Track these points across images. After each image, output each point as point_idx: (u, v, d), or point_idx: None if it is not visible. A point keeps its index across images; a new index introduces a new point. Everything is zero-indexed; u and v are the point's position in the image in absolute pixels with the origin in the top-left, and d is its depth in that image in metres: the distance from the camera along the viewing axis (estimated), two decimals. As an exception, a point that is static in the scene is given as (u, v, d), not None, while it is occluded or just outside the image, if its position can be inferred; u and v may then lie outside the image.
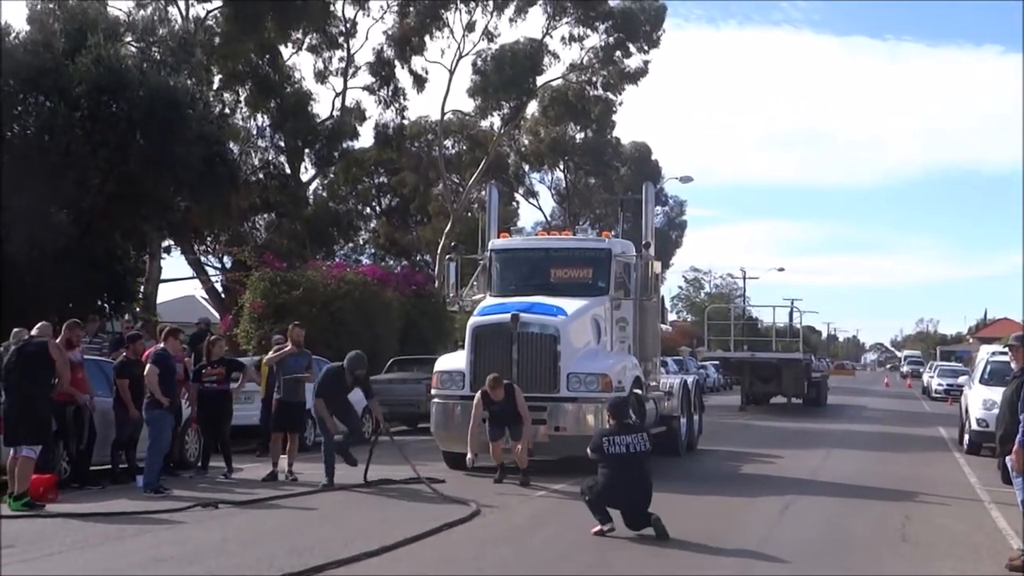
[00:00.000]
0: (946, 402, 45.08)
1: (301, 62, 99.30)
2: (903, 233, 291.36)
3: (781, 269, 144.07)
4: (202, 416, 17.20)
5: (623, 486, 11.56)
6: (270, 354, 18.11)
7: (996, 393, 15.56)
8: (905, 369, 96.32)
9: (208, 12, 43.22)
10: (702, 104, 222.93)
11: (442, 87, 52.47)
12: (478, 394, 16.21)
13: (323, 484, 15.55)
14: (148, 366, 15.21)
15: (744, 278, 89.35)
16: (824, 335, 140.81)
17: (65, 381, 14.35)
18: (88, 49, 27.74)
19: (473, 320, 17.63)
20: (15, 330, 15.48)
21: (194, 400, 17.29)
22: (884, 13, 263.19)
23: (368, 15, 49.32)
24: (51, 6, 31.16)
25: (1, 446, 14.08)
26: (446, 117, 54.48)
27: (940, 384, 53.49)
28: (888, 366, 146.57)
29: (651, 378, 20.05)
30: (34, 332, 14.44)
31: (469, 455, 16.15)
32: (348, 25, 48.99)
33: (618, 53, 50.81)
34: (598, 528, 11.61)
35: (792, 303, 45.32)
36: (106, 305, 29.27)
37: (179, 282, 52.97)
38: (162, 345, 15.95)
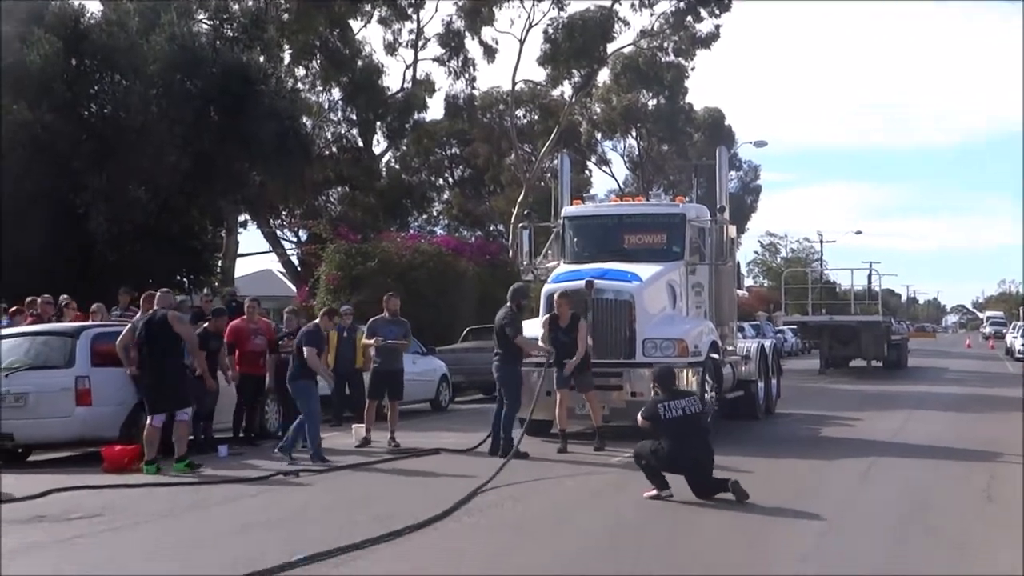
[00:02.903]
0: (1030, 362, 44.32)
1: (371, 35, 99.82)
2: (983, 194, 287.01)
3: (859, 232, 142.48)
4: (280, 386, 17.33)
5: (685, 449, 11.42)
6: (365, 339, 17.92)
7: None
8: (987, 330, 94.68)
9: (279, -13, 43.49)
10: (775, 68, 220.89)
11: (512, 57, 52.53)
12: (547, 317, 16.29)
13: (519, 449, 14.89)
14: (306, 348, 15.28)
15: (821, 242, 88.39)
16: (904, 298, 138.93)
17: (194, 347, 14.94)
18: (161, 28, 28.09)
19: (547, 288, 17.57)
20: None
21: (273, 371, 17.46)
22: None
23: (438, -14, 49.36)
24: (125, -15, 31.53)
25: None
26: (517, 87, 54.39)
27: (1024, 345, 52.55)
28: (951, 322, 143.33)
29: (728, 343, 19.89)
30: (155, 303, 14.97)
31: (544, 348, 15.99)
32: (417, -4, 49.04)
33: (689, 18, 50.41)
34: (654, 492, 11.51)
35: (871, 266, 44.67)
36: (185, 280, 29.69)
37: (256, 256, 53.60)
38: (316, 322, 16.24)
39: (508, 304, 16.02)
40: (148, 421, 14.19)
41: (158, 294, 15.19)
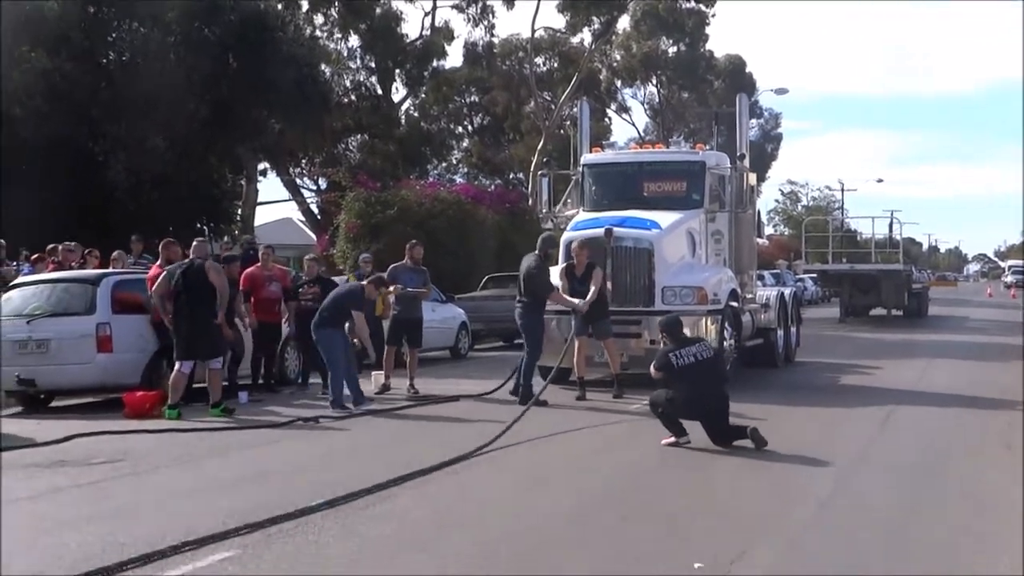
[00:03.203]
0: (1052, 311, 44.03)
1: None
2: (1006, 141, 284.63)
3: (880, 180, 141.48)
4: (300, 333, 17.37)
5: (701, 396, 11.43)
6: (387, 289, 17.92)
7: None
8: (1009, 279, 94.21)
9: (297, -67, 43.22)
10: (796, 15, 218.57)
11: (532, 4, 52.14)
12: (563, 266, 16.32)
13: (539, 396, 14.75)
14: (355, 313, 15.32)
15: (842, 190, 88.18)
16: (925, 247, 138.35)
17: (224, 299, 14.84)
18: (180, -25, 27.98)
19: (567, 235, 17.53)
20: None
21: (292, 318, 17.50)
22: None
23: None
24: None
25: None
26: (536, 34, 54.10)
27: (1046, 294, 52.33)
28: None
29: (747, 291, 19.86)
30: (191, 253, 15.21)
31: (570, 299, 15.87)
32: (436, -58, 48.75)
33: (710, -37, 49.96)
34: (672, 440, 11.55)
35: (892, 214, 44.39)
36: (205, 228, 29.77)
37: (276, 204, 53.67)
38: (362, 284, 16.27)
39: (536, 253, 16.01)
40: (176, 367, 14.34)
41: (194, 243, 15.43)
